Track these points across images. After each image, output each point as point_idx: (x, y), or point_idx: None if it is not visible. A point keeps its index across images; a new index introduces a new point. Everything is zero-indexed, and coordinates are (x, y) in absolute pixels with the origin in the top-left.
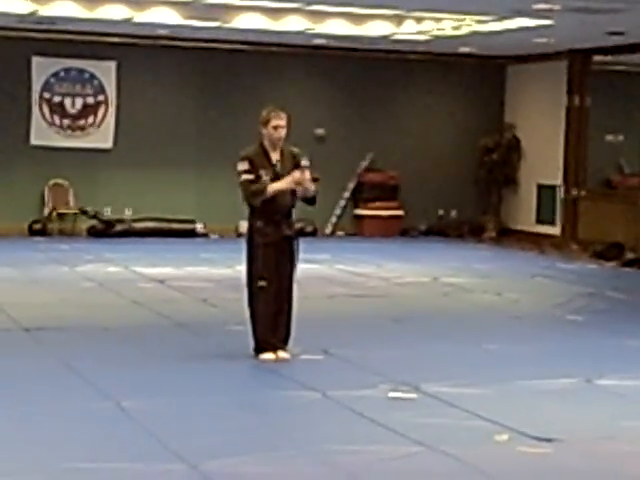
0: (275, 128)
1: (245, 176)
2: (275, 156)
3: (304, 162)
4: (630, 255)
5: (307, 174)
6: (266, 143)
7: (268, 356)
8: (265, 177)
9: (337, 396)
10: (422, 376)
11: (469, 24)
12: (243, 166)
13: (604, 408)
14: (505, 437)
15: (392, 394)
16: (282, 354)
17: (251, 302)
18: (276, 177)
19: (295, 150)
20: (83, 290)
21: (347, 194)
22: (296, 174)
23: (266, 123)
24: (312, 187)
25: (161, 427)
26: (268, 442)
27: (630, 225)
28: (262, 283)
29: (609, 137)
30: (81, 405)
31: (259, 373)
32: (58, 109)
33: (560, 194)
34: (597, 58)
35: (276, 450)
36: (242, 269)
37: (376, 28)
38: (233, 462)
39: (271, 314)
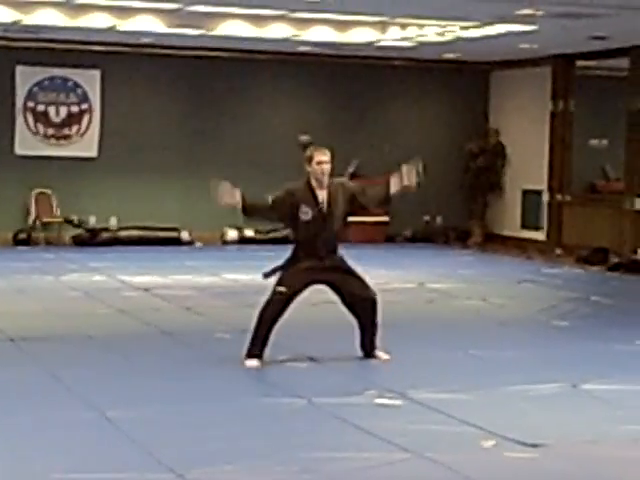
0: (319, 164)
1: (271, 197)
2: (322, 194)
3: (359, 185)
4: (615, 260)
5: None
6: (312, 181)
7: (252, 363)
8: (304, 212)
9: (323, 403)
10: (408, 382)
11: (453, 30)
12: (276, 192)
13: (590, 413)
14: (491, 443)
15: (378, 401)
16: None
17: (263, 306)
18: (320, 215)
19: (341, 180)
20: (68, 299)
21: None
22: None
23: (310, 160)
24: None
25: (146, 436)
26: (253, 450)
27: (615, 230)
28: (281, 289)
29: (593, 142)
30: (66, 415)
31: (244, 381)
32: (42, 118)
33: (545, 199)
34: (581, 63)
35: (261, 458)
36: (235, 278)
37: (361, 35)
38: (218, 470)
39: (274, 322)
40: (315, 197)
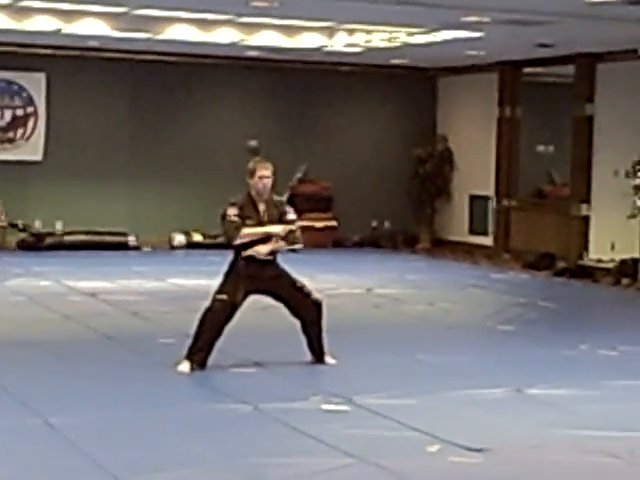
0: (261, 178)
1: (232, 217)
2: (262, 206)
3: (290, 216)
4: (561, 265)
5: (281, 244)
6: (253, 193)
7: (182, 368)
8: (248, 224)
9: (268, 409)
10: (354, 388)
11: (400, 36)
12: (233, 210)
13: (534, 417)
14: (436, 447)
15: (324, 406)
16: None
17: (203, 313)
18: (260, 227)
19: (280, 199)
20: (12, 304)
21: None
22: (264, 249)
23: (252, 174)
24: (292, 244)
25: (90, 442)
26: (198, 456)
27: (561, 235)
28: (222, 297)
29: (540, 148)
30: (8, 421)
31: (190, 386)
32: None
33: (492, 205)
34: (527, 70)
35: (207, 464)
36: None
37: (308, 40)
38: (162, 477)
39: (215, 330)
40: (256, 209)
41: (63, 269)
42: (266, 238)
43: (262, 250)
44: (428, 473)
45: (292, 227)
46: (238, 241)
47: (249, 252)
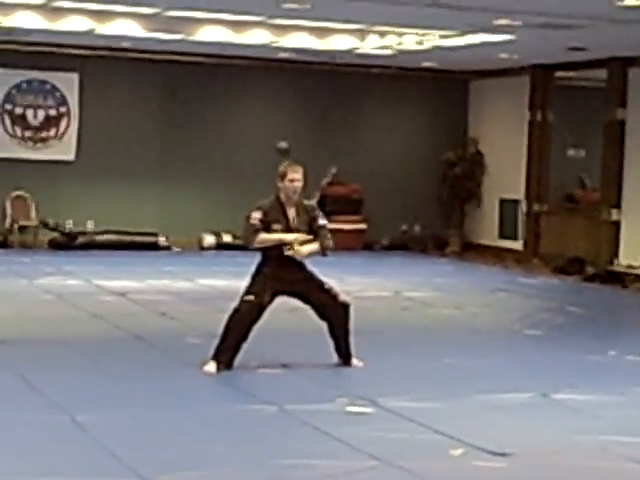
0: (292, 181)
1: (252, 220)
2: (292, 212)
3: (321, 221)
4: (591, 270)
5: (298, 249)
6: (282, 196)
7: (209, 368)
8: (275, 229)
9: (293, 410)
10: (380, 390)
11: (432, 39)
12: (256, 214)
13: (560, 422)
14: (460, 451)
15: (349, 408)
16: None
17: (231, 314)
18: (289, 231)
19: (310, 203)
20: (42, 303)
21: None
22: (305, 250)
23: (283, 177)
24: (311, 249)
25: (115, 441)
26: (222, 456)
27: (591, 240)
28: (249, 297)
29: (571, 152)
30: (36, 419)
31: (216, 387)
32: (20, 121)
33: (522, 209)
34: (559, 73)
35: (230, 464)
36: (211, 283)
37: (339, 42)
38: (187, 476)
39: (242, 331)
40: (285, 213)
41: (93, 269)
42: (281, 244)
43: (303, 251)
44: (452, 477)
45: (307, 237)
46: (255, 245)
47: (289, 253)
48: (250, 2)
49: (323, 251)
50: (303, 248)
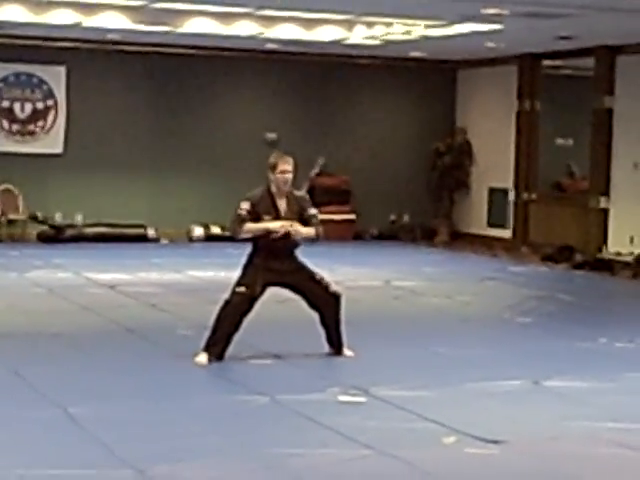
0: (283, 172)
1: (239, 211)
2: (282, 203)
3: (312, 211)
4: (580, 258)
5: (298, 228)
6: (273, 188)
7: (200, 359)
8: (265, 220)
9: (286, 400)
10: (371, 379)
11: (419, 29)
12: (244, 204)
13: (551, 409)
14: (452, 439)
15: (341, 398)
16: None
17: (222, 306)
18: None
19: (301, 194)
20: (32, 296)
21: None
22: (276, 225)
23: (274, 168)
24: (309, 232)
25: (108, 433)
26: (215, 447)
27: (580, 228)
28: (241, 289)
29: (559, 141)
30: (28, 411)
31: (208, 378)
32: (7, 114)
33: (511, 197)
34: (547, 62)
35: (223, 455)
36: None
37: (327, 33)
38: (180, 467)
39: (233, 322)
40: (275, 204)
41: (83, 261)
42: (267, 234)
43: (302, 231)
44: (444, 464)
45: (293, 224)
46: (242, 235)
47: (290, 229)
48: None
49: (316, 236)
50: (302, 228)
